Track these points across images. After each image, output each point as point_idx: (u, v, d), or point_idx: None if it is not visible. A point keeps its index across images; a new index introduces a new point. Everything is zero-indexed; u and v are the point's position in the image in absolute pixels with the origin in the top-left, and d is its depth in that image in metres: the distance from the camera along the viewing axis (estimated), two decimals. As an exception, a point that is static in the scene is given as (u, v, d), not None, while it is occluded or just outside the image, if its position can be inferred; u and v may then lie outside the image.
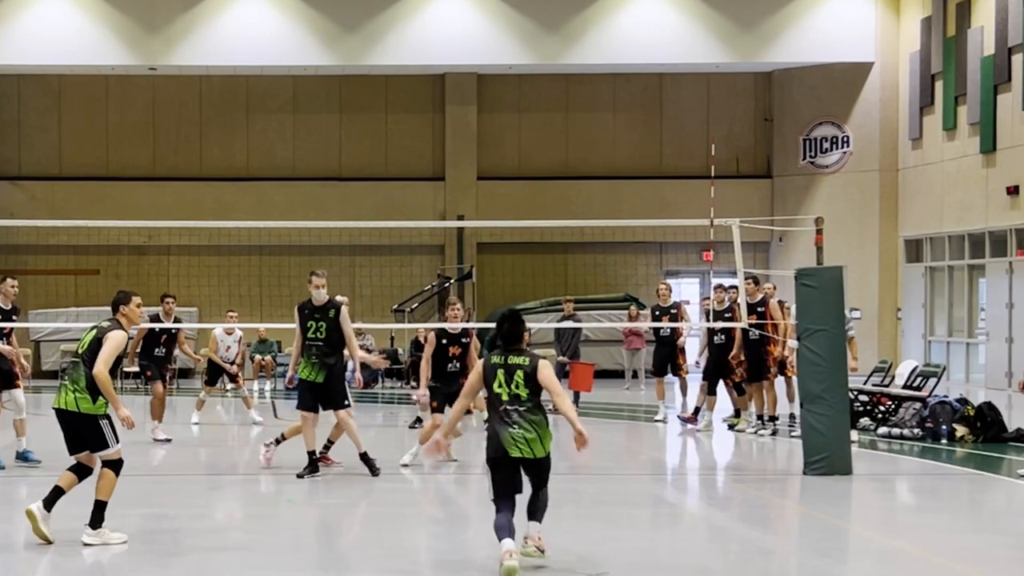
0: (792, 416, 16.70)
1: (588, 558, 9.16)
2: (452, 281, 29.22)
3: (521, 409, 8.63)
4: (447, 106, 30.36)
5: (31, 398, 23.08)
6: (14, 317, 14.58)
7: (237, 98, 30.53)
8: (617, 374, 26.02)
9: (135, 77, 29.85)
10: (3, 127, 30.25)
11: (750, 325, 16.32)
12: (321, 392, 12.86)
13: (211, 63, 28.23)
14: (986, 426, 16.02)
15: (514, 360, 8.74)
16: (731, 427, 17.71)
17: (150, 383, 17.00)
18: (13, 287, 14.55)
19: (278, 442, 13.56)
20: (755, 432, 16.92)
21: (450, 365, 13.62)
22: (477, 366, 8.99)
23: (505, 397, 8.67)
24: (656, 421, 18.76)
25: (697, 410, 17.98)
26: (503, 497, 8.74)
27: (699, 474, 14.82)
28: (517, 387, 8.68)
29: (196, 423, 18.33)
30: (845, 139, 29.04)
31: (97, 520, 9.53)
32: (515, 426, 8.61)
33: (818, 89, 29.28)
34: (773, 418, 17.07)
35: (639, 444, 17.29)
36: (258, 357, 26.04)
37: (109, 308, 9.97)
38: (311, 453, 12.82)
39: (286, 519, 11.08)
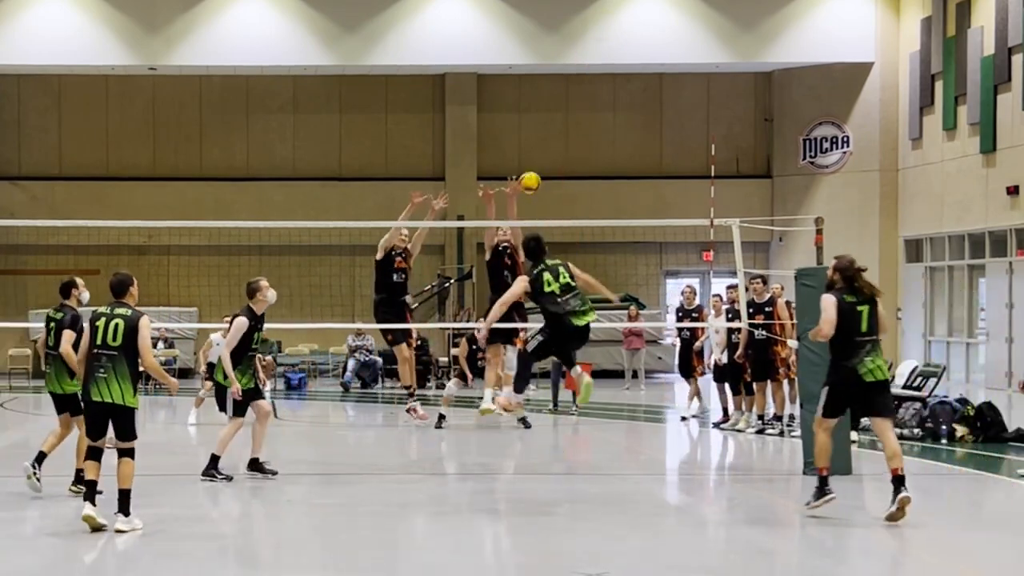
0: (792, 416, 16.72)
1: (588, 558, 9.16)
2: (452, 281, 29.21)
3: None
4: (447, 106, 30.37)
5: (32, 398, 23.10)
6: None
7: (237, 98, 30.54)
8: (617, 374, 26.01)
9: (135, 77, 29.85)
10: (3, 127, 30.26)
11: (759, 325, 16.33)
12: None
13: (211, 63, 28.23)
14: (986, 426, 16.02)
15: (552, 262, 11.97)
16: (715, 425, 17.82)
17: None
18: None
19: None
20: (757, 432, 16.91)
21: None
22: (520, 280, 12.30)
23: (557, 291, 11.83)
24: (682, 419, 18.85)
25: (725, 411, 17.96)
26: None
27: (699, 474, 14.82)
28: (564, 278, 11.90)
29: (193, 424, 18.22)
30: (845, 139, 29.04)
31: (127, 507, 9.86)
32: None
33: (818, 89, 29.28)
34: (779, 418, 17.09)
35: (639, 444, 17.29)
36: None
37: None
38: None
39: (286, 519, 11.08)
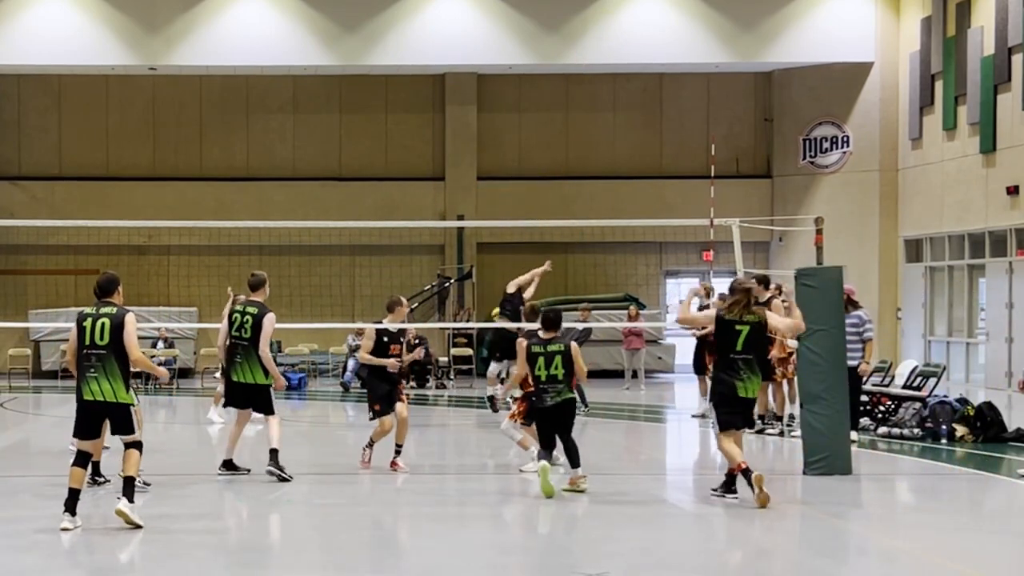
0: (792, 416, 16.73)
1: (588, 558, 9.16)
2: (452, 281, 29.23)
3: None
4: (447, 106, 30.37)
5: (32, 398, 23.11)
6: None
7: (237, 98, 30.54)
8: (617, 374, 26.02)
9: (135, 77, 29.85)
10: (3, 127, 30.26)
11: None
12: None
13: (211, 63, 28.23)
14: (986, 426, 16.02)
15: (553, 348, 11.82)
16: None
17: None
18: None
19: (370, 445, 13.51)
20: (756, 432, 16.89)
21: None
22: (521, 349, 12.09)
23: (543, 378, 11.72)
24: (693, 416, 18.92)
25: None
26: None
27: (699, 474, 14.81)
28: (555, 370, 11.72)
29: (221, 421, 17.88)
30: (845, 139, 29.04)
31: (132, 494, 10.05)
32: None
33: (818, 89, 29.28)
34: (779, 417, 17.09)
35: (639, 444, 17.28)
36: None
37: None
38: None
39: (286, 519, 11.08)
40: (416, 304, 28.64)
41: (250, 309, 12.82)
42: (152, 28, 27.51)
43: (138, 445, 10.21)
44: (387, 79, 30.29)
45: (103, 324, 10.18)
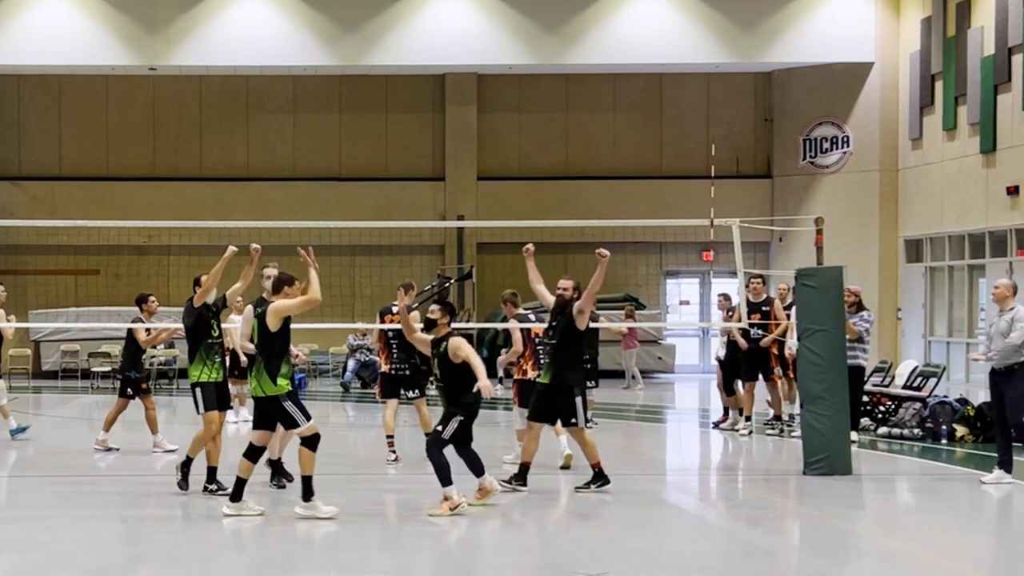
0: (791, 416, 16.73)
1: (588, 558, 9.16)
2: (452, 281, 29.22)
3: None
4: (447, 106, 30.37)
5: (31, 398, 23.14)
6: None
7: (237, 98, 30.54)
8: (618, 374, 26.02)
9: (135, 77, 29.85)
10: (3, 127, 30.26)
11: (752, 324, 16.34)
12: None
13: (211, 63, 28.23)
14: (986, 426, 16.01)
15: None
16: (715, 425, 17.79)
17: (141, 396, 15.48)
18: None
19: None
20: (748, 433, 16.86)
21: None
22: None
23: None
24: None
25: (739, 411, 17.87)
26: None
27: (699, 474, 14.82)
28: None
29: (246, 420, 17.64)
30: (845, 139, 29.04)
31: (307, 493, 10.40)
32: None
33: (818, 89, 29.28)
34: (778, 417, 17.09)
35: (639, 444, 17.28)
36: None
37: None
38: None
39: (286, 519, 11.07)
40: (416, 304, 28.56)
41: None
42: (152, 28, 27.51)
43: (311, 441, 10.43)
44: (387, 79, 30.29)
45: (255, 324, 10.69)
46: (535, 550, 9.68)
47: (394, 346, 14.27)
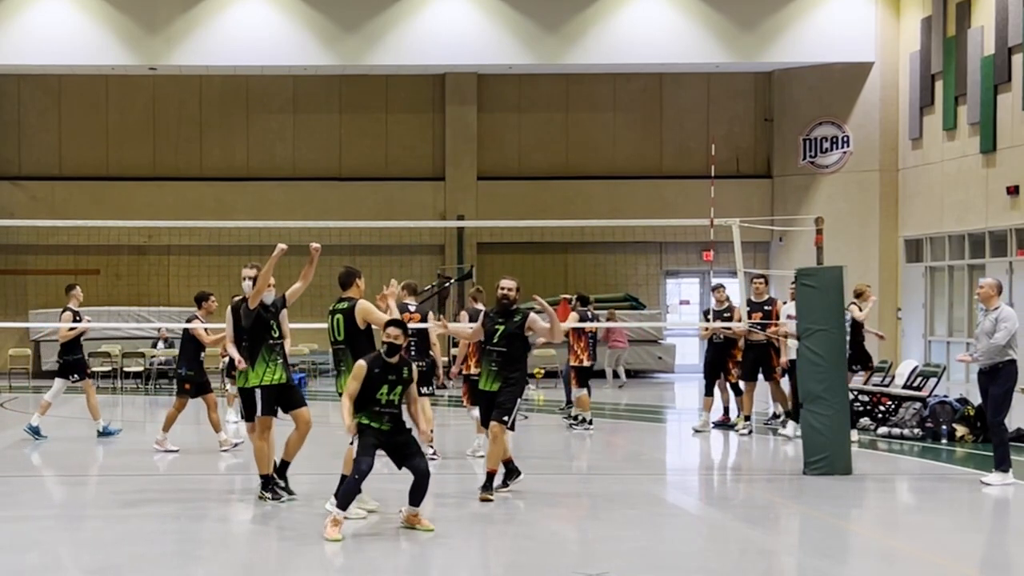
0: (775, 415, 16.85)
1: (588, 558, 9.16)
2: (452, 281, 29.23)
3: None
4: (447, 106, 30.37)
5: (32, 398, 23.13)
6: None
7: (237, 98, 30.55)
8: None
9: (135, 77, 29.86)
10: (3, 127, 30.26)
11: (754, 324, 16.35)
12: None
13: (211, 63, 28.24)
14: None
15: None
16: (715, 424, 17.76)
17: (203, 396, 15.51)
18: None
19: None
20: (748, 433, 16.88)
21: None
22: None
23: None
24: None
25: (726, 410, 17.90)
26: None
27: (699, 474, 14.82)
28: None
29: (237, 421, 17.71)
30: (845, 139, 29.04)
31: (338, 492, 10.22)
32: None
33: (818, 89, 29.28)
34: (776, 416, 17.11)
35: (639, 444, 17.28)
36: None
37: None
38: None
39: (286, 520, 11.07)
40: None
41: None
42: (152, 28, 27.52)
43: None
44: (387, 79, 30.29)
45: (338, 320, 10.84)
46: (535, 550, 9.67)
47: (412, 343, 14.38)
